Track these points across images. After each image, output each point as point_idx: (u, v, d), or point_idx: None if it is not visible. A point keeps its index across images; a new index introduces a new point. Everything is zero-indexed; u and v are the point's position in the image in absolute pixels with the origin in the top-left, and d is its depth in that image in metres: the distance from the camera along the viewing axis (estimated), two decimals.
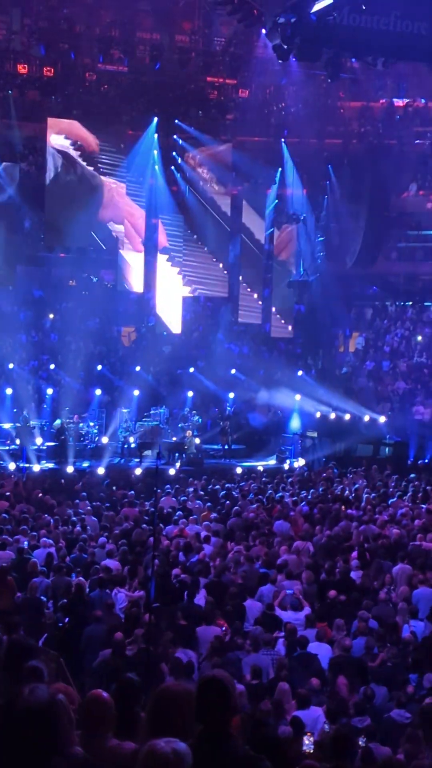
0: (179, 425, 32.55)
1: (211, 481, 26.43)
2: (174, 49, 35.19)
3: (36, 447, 29.86)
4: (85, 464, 29.06)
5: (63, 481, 25.88)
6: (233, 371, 36.18)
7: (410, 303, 41.45)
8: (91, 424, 31.76)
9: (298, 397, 33.81)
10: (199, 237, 39.72)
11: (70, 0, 33.49)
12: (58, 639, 13.77)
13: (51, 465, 28.95)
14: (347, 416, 33.73)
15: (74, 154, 36.01)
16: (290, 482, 26.60)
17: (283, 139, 39.07)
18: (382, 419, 33.57)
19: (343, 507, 22.39)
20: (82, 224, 36.50)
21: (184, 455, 30.76)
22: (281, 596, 15.12)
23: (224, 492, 24.59)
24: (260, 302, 40.86)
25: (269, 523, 20.60)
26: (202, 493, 24.38)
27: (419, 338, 39.22)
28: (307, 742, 9.10)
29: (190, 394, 33.86)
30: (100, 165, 36.83)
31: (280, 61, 28.53)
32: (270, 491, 24.54)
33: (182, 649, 12.46)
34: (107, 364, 35.62)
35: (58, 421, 31.12)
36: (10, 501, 21.87)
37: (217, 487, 25.48)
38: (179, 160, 38.71)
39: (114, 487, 24.89)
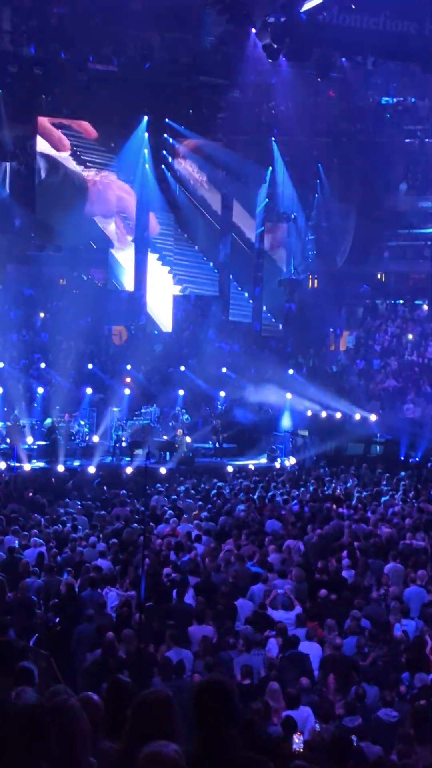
0: (170, 424, 32.54)
1: (203, 480, 26.43)
2: (164, 48, 35.12)
3: (27, 446, 29.81)
4: (76, 463, 29.03)
5: (54, 480, 25.85)
6: (224, 370, 36.20)
7: (401, 301, 41.53)
8: (82, 422, 31.72)
9: (289, 395, 33.82)
10: (190, 236, 39.74)
11: None
12: (48, 639, 13.75)
13: (42, 464, 28.91)
14: (338, 415, 33.75)
15: (66, 147, 36.18)
16: (281, 481, 26.61)
17: (273, 138, 39.09)
18: (373, 417, 33.60)
19: (334, 506, 22.40)
20: (73, 223, 36.52)
21: (175, 454, 30.74)
22: (272, 595, 15.12)
23: (215, 491, 24.60)
24: (251, 301, 40.90)
25: (260, 522, 20.60)
26: (193, 492, 24.38)
27: (410, 336, 39.27)
28: (297, 741, 9.11)
29: (181, 392, 33.85)
30: (89, 162, 36.85)
31: (270, 60, 28.57)
32: (261, 490, 24.55)
33: (176, 648, 12.46)
34: (98, 363, 35.61)
35: (48, 420, 31.08)
36: (0, 500, 21.85)
37: (209, 486, 25.48)
38: (170, 159, 38.72)
39: (105, 487, 24.87)
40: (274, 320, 40.75)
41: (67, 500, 22.42)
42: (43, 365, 34.83)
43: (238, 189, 40.27)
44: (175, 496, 23.41)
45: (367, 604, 14.91)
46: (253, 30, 26.80)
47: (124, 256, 38.34)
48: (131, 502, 22.33)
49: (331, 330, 41.23)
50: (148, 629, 13.10)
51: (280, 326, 40.56)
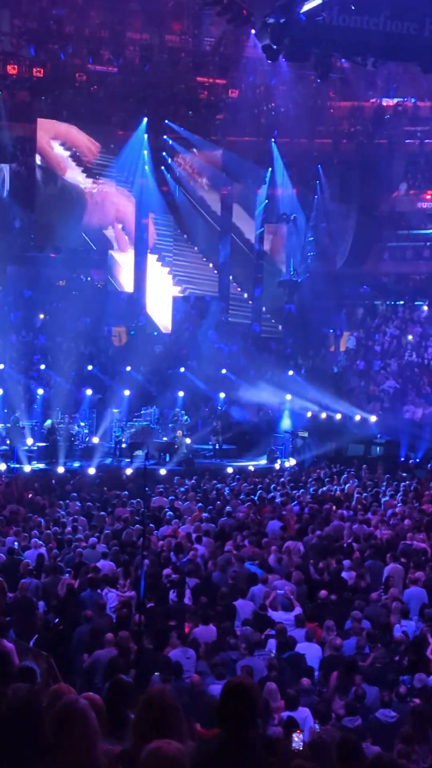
0: (170, 425, 32.54)
1: (202, 481, 26.42)
2: (164, 49, 35.16)
3: (27, 447, 29.83)
4: (76, 464, 29.04)
5: (54, 481, 25.84)
6: (224, 371, 36.19)
7: (401, 302, 41.52)
8: (82, 424, 31.73)
9: (288, 396, 33.82)
10: (189, 237, 39.77)
11: (59, 1, 33.43)
12: (48, 640, 13.75)
13: (42, 465, 28.92)
14: (338, 416, 33.75)
15: (66, 157, 36.15)
16: (281, 482, 26.60)
17: (273, 139, 39.12)
18: (373, 418, 33.61)
19: (334, 507, 22.39)
20: (72, 225, 36.56)
21: (174, 455, 30.73)
22: (272, 596, 15.12)
23: (215, 492, 24.60)
24: (250, 302, 40.91)
25: (260, 523, 20.60)
26: (193, 493, 24.37)
27: (410, 337, 39.28)
28: (297, 739, 9.11)
29: (181, 393, 33.85)
30: (90, 166, 36.86)
31: (269, 61, 28.56)
32: (261, 491, 24.54)
33: (182, 647, 12.46)
34: (98, 364, 35.60)
35: (48, 422, 31.09)
36: (0, 502, 21.85)
37: (208, 487, 25.48)
38: (169, 161, 38.74)
39: (105, 488, 24.87)
40: (273, 321, 40.74)
41: (67, 501, 22.41)
42: (42, 367, 34.84)
43: (237, 190, 40.28)
44: (174, 497, 23.41)
45: (367, 605, 14.91)
46: (253, 31, 26.78)
47: (124, 258, 38.35)
48: (132, 503, 22.31)
49: (331, 331, 41.22)
50: (149, 630, 13.09)
51: (280, 327, 40.56)
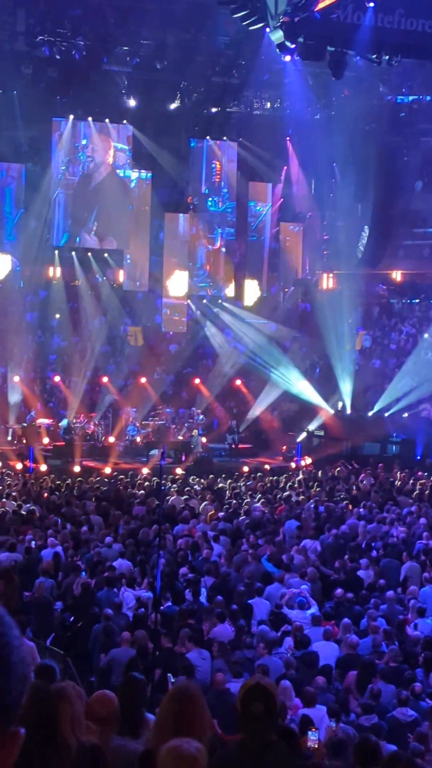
0: (185, 424, 32.56)
1: (218, 480, 26.44)
2: (179, 48, 35.11)
3: (43, 447, 29.90)
4: (92, 463, 29.09)
5: (70, 480, 25.90)
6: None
7: (417, 301, 41.39)
8: (98, 423, 31.79)
9: (303, 395, 33.80)
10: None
11: (74, 0, 33.44)
12: (65, 639, 13.79)
13: (58, 464, 28.98)
14: (354, 414, 33.69)
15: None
16: (297, 481, 26.59)
17: (287, 137, 39.07)
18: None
19: (350, 506, 22.38)
20: (88, 223, 36.69)
21: (190, 454, 30.76)
22: (288, 595, 15.12)
23: (231, 491, 24.60)
24: (266, 301, 40.84)
25: (276, 522, 20.59)
26: (208, 492, 24.37)
27: (426, 336, 39.14)
28: (313, 738, 9.12)
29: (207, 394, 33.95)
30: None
31: (284, 59, 28.52)
32: (276, 490, 24.52)
33: (196, 648, 12.46)
34: (114, 364, 35.65)
35: (65, 421, 31.17)
36: (17, 501, 21.90)
37: (224, 486, 25.48)
38: None
39: (121, 487, 24.90)
40: (289, 320, 40.66)
41: (84, 501, 22.44)
42: (58, 367, 34.91)
43: (252, 188, 40.27)
44: (188, 497, 23.41)
45: (383, 604, 14.90)
46: (267, 29, 26.72)
47: (139, 257, 38.40)
48: (148, 502, 22.32)
49: (347, 330, 41.10)
50: (167, 629, 13.10)
51: (295, 326, 40.48)
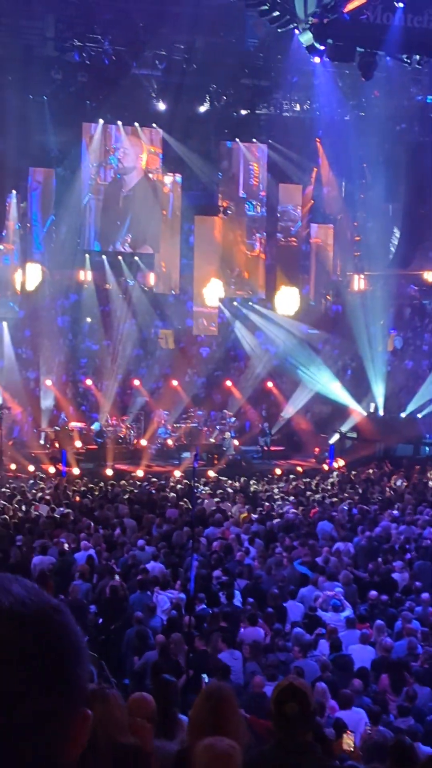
0: (217, 427, 32.57)
1: (251, 483, 26.40)
2: (208, 51, 35.12)
3: (75, 450, 30.00)
4: (124, 466, 29.15)
5: (102, 483, 25.98)
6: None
7: None
8: (130, 426, 31.86)
9: (336, 396, 33.72)
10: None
11: (103, 5, 33.52)
12: (99, 641, 13.81)
13: (90, 467, 29.07)
14: (386, 416, 33.57)
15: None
16: (330, 483, 26.52)
17: (318, 139, 39.00)
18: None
19: (383, 508, 22.30)
20: (118, 228, 36.80)
21: (222, 457, 30.76)
22: (322, 598, 15.07)
23: (264, 493, 24.57)
24: (297, 302, 40.74)
25: (309, 525, 20.55)
26: (241, 494, 24.36)
27: None
28: (349, 741, 9.08)
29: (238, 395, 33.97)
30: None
31: (313, 61, 28.49)
32: (310, 492, 24.47)
33: (228, 650, 12.45)
34: (145, 367, 35.72)
35: (96, 424, 31.26)
36: (50, 504, 21.98)
37: (257, 488, 25.45)
38: None
39: (153, 490, 24.94)
40: (320, 322, 40.55)
41: (117, 504, 22.49)
42: (90, 370, 35.02)
43: (283, 190, 40.22)
44: (220, 499, 23.40)
45: (418, 606, 14.83)
46: (297, 31, 26.71)
47: (170, 260, 38.44)
48: (181, 505, 22.35)
49: (378, 331, 40.96)
50: (201, 632, 13.09)
51: (327, 328, 40.36)
